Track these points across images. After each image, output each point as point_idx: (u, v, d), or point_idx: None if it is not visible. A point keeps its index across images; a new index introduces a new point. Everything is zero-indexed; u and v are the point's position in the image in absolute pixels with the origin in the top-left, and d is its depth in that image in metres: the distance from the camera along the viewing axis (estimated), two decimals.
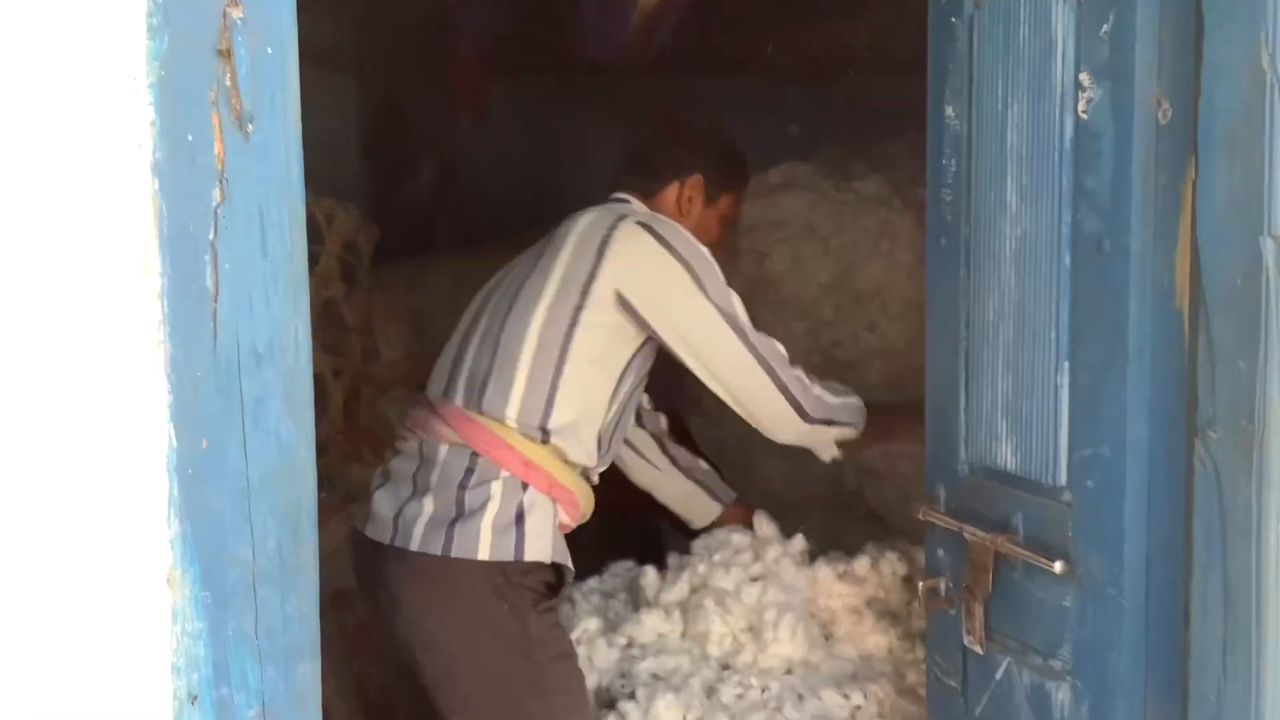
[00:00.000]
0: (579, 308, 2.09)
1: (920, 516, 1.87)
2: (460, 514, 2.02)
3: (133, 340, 0.87)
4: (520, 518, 2.03)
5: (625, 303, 2.10)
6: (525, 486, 2.05)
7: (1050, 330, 1.60)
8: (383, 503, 2.11)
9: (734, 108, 3.37)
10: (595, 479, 2.21)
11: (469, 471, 2.05)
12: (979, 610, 1.73)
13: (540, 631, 2.05)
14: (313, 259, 3.02)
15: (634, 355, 2.17)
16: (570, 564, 2.12)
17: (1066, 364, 1.58)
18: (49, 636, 0.89)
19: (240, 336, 0.91)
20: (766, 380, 2.15)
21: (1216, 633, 1.38)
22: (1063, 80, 1.56)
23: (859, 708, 2.21)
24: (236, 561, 0.92)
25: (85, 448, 0.88)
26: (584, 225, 2.18)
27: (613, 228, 2.14)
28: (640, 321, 2.12)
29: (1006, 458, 1.71)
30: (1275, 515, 1.31)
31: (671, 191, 2.35)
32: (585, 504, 2.18)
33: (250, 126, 0.88)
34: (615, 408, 2.17)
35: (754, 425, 2.21)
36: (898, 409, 2.44)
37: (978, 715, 1.79)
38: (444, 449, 2.08)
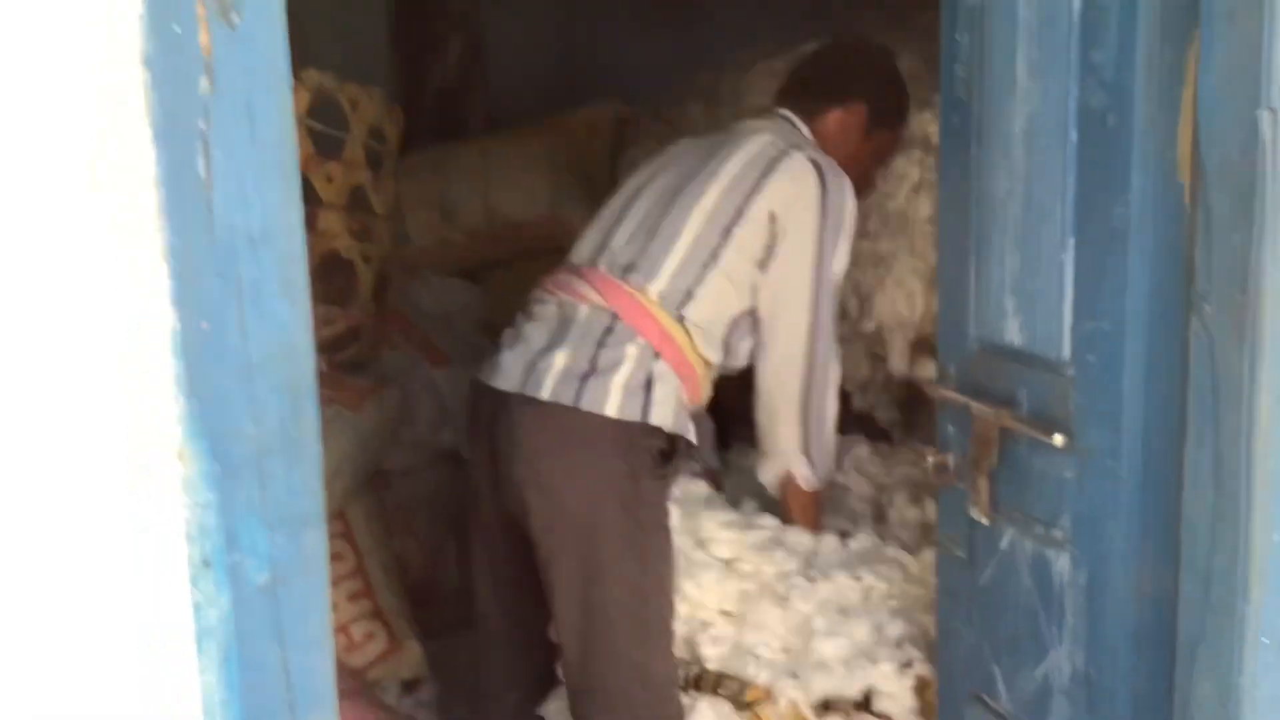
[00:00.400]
0: (733, 223, 2.17)
1: (931, 394, 1.90)
2: (593, 370, 2.10)
3: (133, 228, 0.91)
4: (650, 384, 2.11)
5: (775, 220, 2.18)
6: (658, 356, 2.13)
7: (1057, 206, 1.61)
8: (512, 356, 2.18)
9: None
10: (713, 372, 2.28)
11: (607, 331, 2.13)
12: (984, 483, 1.77)
13: (650, 496, 2.14)
14: (338, 145, 3.07)
15: None
16: (692, 437, 2.20)
17: (1071, 240, 1.59)
18: (68, 511, 0.95)
19: (235, 222, 0.95)
20: (805, 313, 2.20)
21: (1207, 501, 1.41)
22: None
23: (871, 588, 2.28)
24: (242, 436, 0.98)
25: (93, 333, 0.93)
26: (757, 145, 2.24)
27: (784, 155, 2.22)
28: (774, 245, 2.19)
29: (1013, 334, 1.73)
30: (1265, 386, 1.33)
31: (834, 117, 2.39)
32: (705, 392, 2.26)
33: (235, 16, 0.91)
34: (737, 329, 2.25)
35: (761, 360, 2.24)
36: None
37: (982, 584, 1.84)
38: (584, 309, 2.17)
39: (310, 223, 3.04)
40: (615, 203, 2.34)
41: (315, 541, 1.02)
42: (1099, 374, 1.56)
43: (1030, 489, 1.71)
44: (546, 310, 2.23)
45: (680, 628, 2.21)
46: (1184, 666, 1.47)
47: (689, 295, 2.17)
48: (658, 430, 2.13)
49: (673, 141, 2.47)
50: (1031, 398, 1.70)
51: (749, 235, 2.17)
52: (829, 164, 2.24)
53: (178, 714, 0.98)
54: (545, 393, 2.09)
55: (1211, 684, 1.43)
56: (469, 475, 2.35)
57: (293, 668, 1.03)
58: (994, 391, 1.77)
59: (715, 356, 2.22)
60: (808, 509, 2.36)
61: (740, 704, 2.20)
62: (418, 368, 3.55)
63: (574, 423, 2.08)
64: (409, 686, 3.18)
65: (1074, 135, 1.56)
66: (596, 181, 3.73)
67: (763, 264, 2.19)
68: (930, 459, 1.90)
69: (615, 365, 2.10)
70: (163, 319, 0.93)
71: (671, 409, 2.13)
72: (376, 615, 3.24)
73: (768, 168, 2.20)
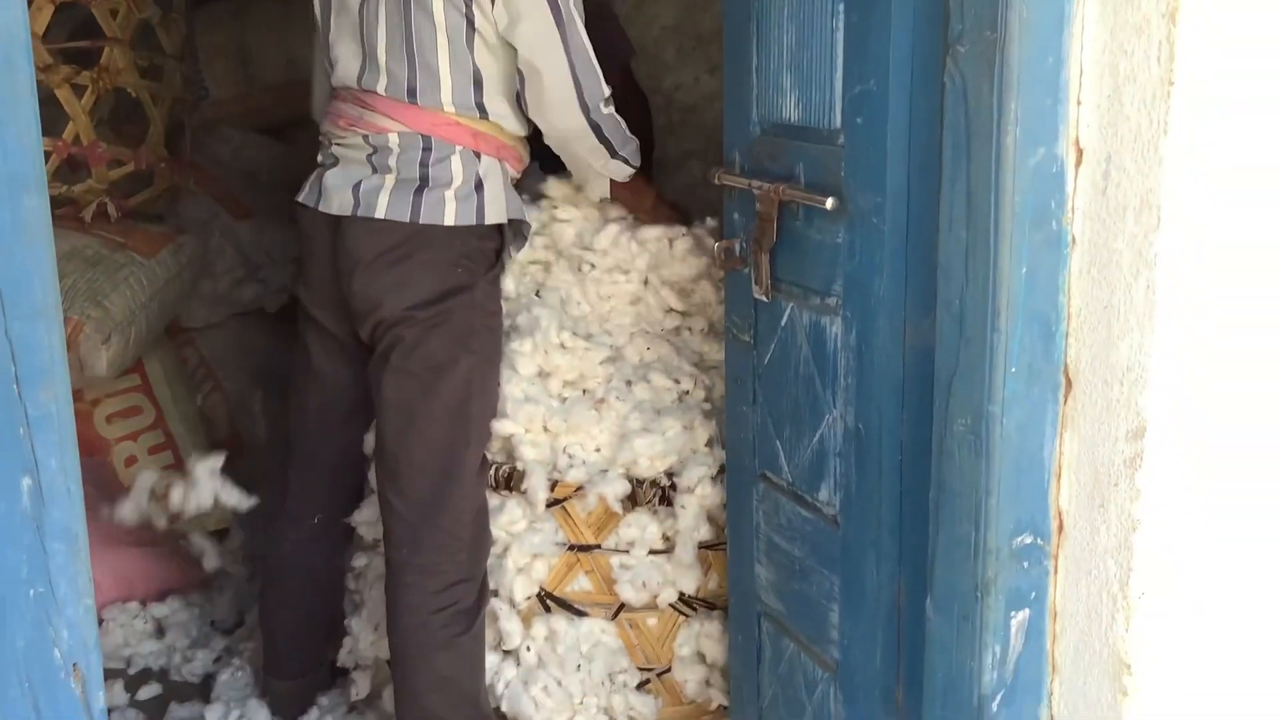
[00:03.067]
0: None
1: (715, 180, 1.93)
2: (425, 184, 2.14)
3: None
4: (479, 185, 2.17)
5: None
6: (478, 155, 2.18)
7: None
8: (336, 180, 2.20)
9: None
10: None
11: (425, 150, 2.16)
12: (765, 260, 1.82)
13: (484, 299, 2.21)
14: None
15: None
16: (527, 218, 2.27)
17: (841, 6, 1.63)
18: None
19: None
20: (562, 63, 2.13)
21: (960, 239, 1.47)
22: None
23: (687, 393, 2.33)
24: None
25: None
26: None
27: None
28: None
29: (790, 110, 1.77)
30: (1013, 121, 1.39)
31: None
32: (525, 155, 2.31)
33: None
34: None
35: (536, 111, 2.19)
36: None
37: (766, 362, 1.90)
38: (393, 136, 2.17)
39: (95, 57, 2.91)
40: (348, 13, 2.22)
41: (35, 207, 0.98)
42: (865, 135, 1.61)
43: (807, 260, 1.77)
44: (352, 140, 2.22)
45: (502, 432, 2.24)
46: (940, 403, 1.54)
47: (477, 90, 2.16)
48: (491, 230, 2.20)
49: None
50: (808, 170, 1.74)
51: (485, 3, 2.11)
52: None
53: None
54: (380, 211, 2.14)
55: (965, 417, 1.51)
56: (301, 298, 2.37)
57: (16, 339, 0.99)
58: (774, 170, 1.82)
59: (523, 129, 2.25)
60: (640, 193, 2.40)
61: (550, 502, 2.24)
62: (217, 219, 3.44)
63: (412, 235, 2.14)
64: (217, 536, 3.13)
65: None
66: None
67: (510, 18, 2.12)
68: (716, 245, 1.94)
69: (445, 178, 2.16)
70: None
71: (502, 200, 2.20)
72: (178, 468, 3.17)
73: None
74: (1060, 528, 1.53)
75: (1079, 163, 1.44)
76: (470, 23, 2.11)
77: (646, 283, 2.41)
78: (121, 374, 3.08)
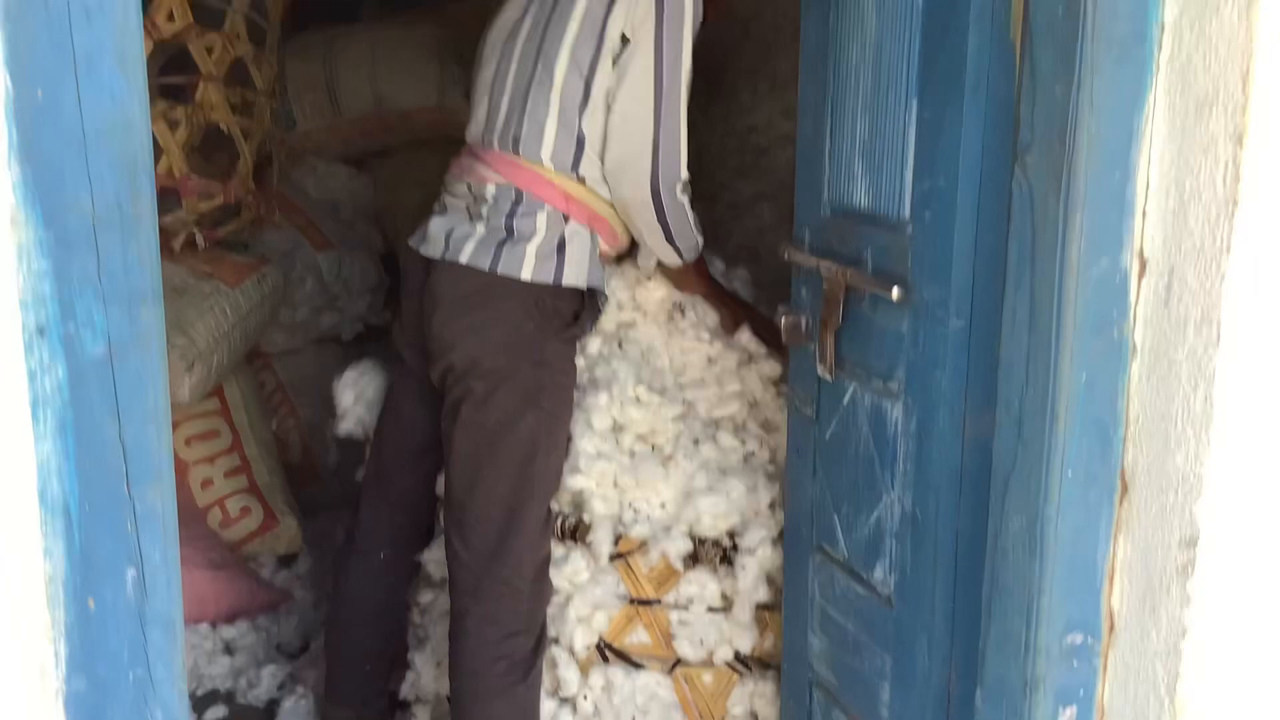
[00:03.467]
0: (598, 51, 2.20)
1: (784, 257, 1.97)
2: (509, 237, 2.23)
3: None
4: (561, 247, 2.23)
5: (625, 41, 2.20)
6: (566, 219, 2.25)
7: (903, 70, 1.68)
8: (437, 226, 2.32)
9: None
10: None
11: (516, 203, 2.25)
12: (830, 340, 1.86)
13: (555, 357, 2.26)
14: (219, 17, 3.02)
15: None
16: (604, 289, 2.33)
17: (915, 102, 1.67)
18: None
19: None
20: (648, 133, 2.19)
21: (1022, 343, 1.50)
22: None
23: (753, 454, 2.37)
24: (77, 207, 1.00)
25: None
26: None
27: None
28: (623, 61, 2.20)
29: (861, 196, 1.81)
30: (1078, 232, 1.42)
31: None
32: (622, 232, 2.36)
33: None
34: None
35: (610, 168, 2.24)
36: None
37: (828, 438, 1.94)
38: (491, 187, 2.27)
39: (189, 94, 3.02)
40: (488, 70, 2.37)
41: (151, 319, 1.05)
42: (934, 229, 1.64)
43: (871, 344, 1.80)
44: (460, 189, 2.34)
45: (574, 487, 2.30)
46: (997, 500, 1.57)
47: (577, 161, 2.23)
48: (569, 293, 2.26)
49: None
50: (875, 256, 1.78)
51: (607, 66, 2.21)
52: None
53: (14, 481, 1.01)
54: (464, 257, 2.23)
55: (1022, 516, 1.53)
56: (394, 336, 2.46)
57: (129, 440, 1.07)
58: (842, 252, 1.85)
59: None
60: (688, 281, 2.47)
61: (614, 555, 2.29)
62: (300, 249, 3.54)
63: (489, 284, 2.21)
64: (285, 561, 3.23)
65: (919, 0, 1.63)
66: None
67: (618, 78, 2.21)
68: (784, 320, 1.98)
69: (529, 233, 2.23)
70: None
71: (585, 267, 2.26)
72: (253, 491, 3.27)
73: None
74: (1111, 628, 1.56)
75: (1142, 274, 1.46)
76: (588, 87, 2.20)
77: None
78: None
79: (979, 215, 1.59)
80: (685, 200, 2.26)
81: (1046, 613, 1.51)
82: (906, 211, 1.70)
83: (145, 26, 3.06)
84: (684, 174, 2.24)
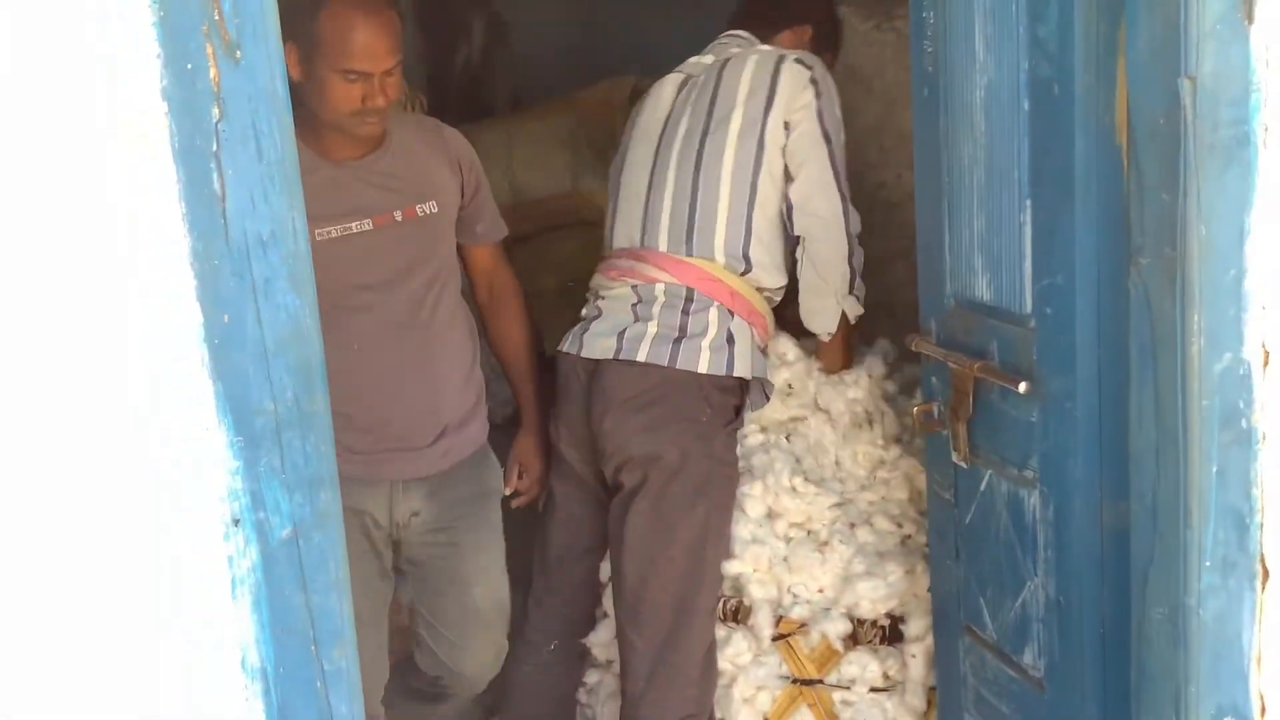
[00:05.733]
0: (760, 145, 2.37)
1: (913, 348, 2.03)
2: (684, 334, 2.35)
3: (161, 238, 1.07)
4: (730, 340, 2.37)
5: (788, 127, 2.39)
6: (733, 314, 2.39)
7: (1014, 171, 1.73)
8: (601, 328, 2.43)
9: None
10: (777, 300, 2.50)
11: (688, 301, 2.38)
12: (962, 430, 1.91)
13: (723, 448, 2.38)
14: None
15: None
16: (769, 379, 2.46)
17: (1028, 202, 1.72)
18: (122, 483, 1.12)
19: (247, 229, 1.11)
20: (835, 194, 2.37)
21: (1150, 438, 1.53)
22: None
23: (909, 536, 2.41)
24: (262, 411, 1.14)
25: (134, 330, 1.09)
26: (751, 69, 2.44)
27: (778, 68, 2.42)
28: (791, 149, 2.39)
29: (983, 290, 1.86)
30: (1196, 331, 1.45)
31: (785, 36, 2.60)
32: (772, 326, 2.51)
33: (238, 53, 1.06)
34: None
35: (805, 234, 2.38)
36: None
37: (968, 523, 1.98)
38: (659, 287, 2.41)
39: None
40: (641, 173, 2.49)
41: (329, 500, 1.19)
42: (1055, 325, 1.69)
43: (1003, 433, 1.84)
44: (620, 292, 2.45)
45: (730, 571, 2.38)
46: (1138, 590, 1.60)
47: (746, 248, 2.38)
48: (734, 385, 2.37)
49: (650, 88, 2.65)
50: (1001, 349, 1.82)
51: (773, 158, 2.37)
52: (805, 54, 2.47)
53: (221, 651, 1.15)
54: (641, 355, 2.34)
55: (1163, 606, 1.56)
56: (553, 439, 2.55)
57: (315, 609, 1.19)
58: (969, 344, 1.90)
59: (782, 278, 2.45)
60: (839, 350, 2.54)
61: (775, 636, 2.36)
62: None
63: (666, 379, 2.33)
64: None
65: (1026, 104, 1.69)
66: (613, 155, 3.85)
67: (787, 174, 2.39)
68: (916, 409, 2.03)
69: (703, 329, 2.35)
70: (190, 314, 1.09)
71: (749, 358, 2.38)
72: None
73: (771, 84, 2.39)
74: (1263, 709, 1.56)
75: (1266, 363, 1.48)
76: (755, 180, 2.36)
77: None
78: None
79: (1099, 311, 1.63)
80: (856, 243, 2.42)
81: (1195, 700, 1.53)
82: (1028, 306, 1.75)
83: None
84: (857, 224, 2.42)
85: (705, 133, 2.42)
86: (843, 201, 2.40)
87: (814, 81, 2.40)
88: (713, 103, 2.44)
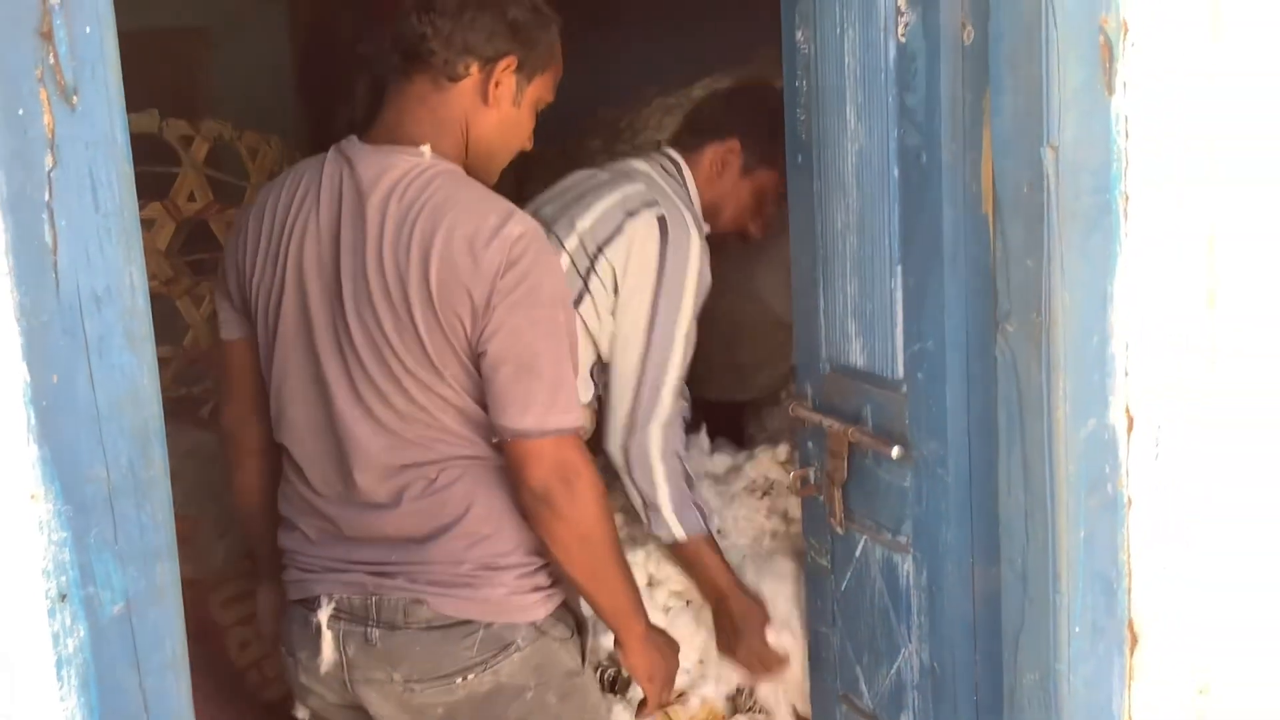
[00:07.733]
0: (586, 276, 2.15)
1: (790, 413, 2.02)
2: None
3: None
4: None
5: (616, 278, 2.15)
6: None
7: (885, 237, 1.74)
8: None
9: None
10: None
11: None
12: (838, 495, 1.89)
13: None
14: (239, 192, 3.14)
15: None
16: None
17: (899, 268, 1.72)
18: None
19: (80, 283, 1.04)
20: (632, 386, 2.16)
21: (1019, 502, 1.54)
22: (885, 6, 1.67)
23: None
24: (93, 478, 1.07)
25: None
26: (616, 198, 2.19)
27: (635, 214, 2.15)
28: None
29: (856, 355, 1.86)
30: (1061, 397, 1.46)
31: (709, 152, 2.35)
32: None
33: (75, 98, 1.01)
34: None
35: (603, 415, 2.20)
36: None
37: (843, 590, 1.96)
38: None
39: (214, 269, 3.12)
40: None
41: (168, 574, 1.12)
42: (926, 390, 1.69)
43: (877, 498, 1.84)
44: None
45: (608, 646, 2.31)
46: (1009, 655, 1.60)
47: None
48: None
49: (567, 174, 2.39)
50: (875, 414, 1.82)
51: (599, 288, 2.15)
52: (678, 220, 2.17)
53: None
54: None
55: (1034, 672, 1.56)
56: None
57: (149, 691, 1.12)
58: (844, 409, 1.90)
59: (586, 396, 2.20)
60: (708, 569, 2.25)
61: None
62: None
63: None
64: None
65: (895, 171, 1.70)
66: None
67: (612, 314, 2.17)
68: (791, 474, 2.02)
69: None
70: (15, 373, 1.02)
71: None
72: None
73: (617, 227, 2.14)
74: None
75: (1130, 429, 1.50)
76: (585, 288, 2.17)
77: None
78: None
79: (969, 376, 1.64)
80: (677, 446, 2.21)
81: None
82: (900, 372, 1.75)
83: (167, 208, 3.19)
84: (665, 413, 2.19)
85: (550, 230, 2.18)
86: (637, 394, 2.14)
87: (662, 246, 2.13)
88: (573, 206, 2.23)
